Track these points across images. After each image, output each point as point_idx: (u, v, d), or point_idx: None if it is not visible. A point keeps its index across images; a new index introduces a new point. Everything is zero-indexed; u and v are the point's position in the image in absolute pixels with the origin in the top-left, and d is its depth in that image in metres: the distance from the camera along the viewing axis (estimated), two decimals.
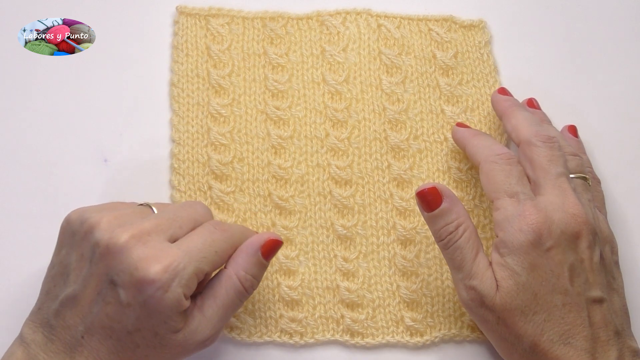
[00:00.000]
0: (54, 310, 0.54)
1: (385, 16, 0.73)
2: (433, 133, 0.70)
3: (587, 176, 0.63)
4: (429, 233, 0.66)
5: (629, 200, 0.69)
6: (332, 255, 0.66)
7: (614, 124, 0.72)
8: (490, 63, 0.72)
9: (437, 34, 0.73)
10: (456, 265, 0.59)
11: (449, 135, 0.69)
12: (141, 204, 0.58)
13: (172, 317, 0.53)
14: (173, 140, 0.68)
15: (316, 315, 0.64)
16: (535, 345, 0.56)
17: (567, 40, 0.75)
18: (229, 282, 0.56)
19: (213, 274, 0.58)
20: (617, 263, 0.61)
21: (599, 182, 0.66)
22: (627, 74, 0.74)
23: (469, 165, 0.69)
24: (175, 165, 0.67)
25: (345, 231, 0.66)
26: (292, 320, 0.64)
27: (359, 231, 0.67)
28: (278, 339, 0.64)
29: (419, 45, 0.72)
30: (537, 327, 0.56)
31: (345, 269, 0.66)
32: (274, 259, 0.65)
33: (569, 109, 0.71)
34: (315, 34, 0.72)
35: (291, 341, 0.64)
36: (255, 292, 0.64)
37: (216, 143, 0.68)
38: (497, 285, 0.57)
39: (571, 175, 0.61)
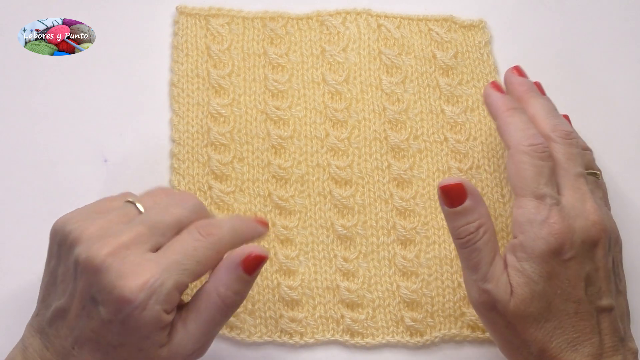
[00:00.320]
0: (48, 319, 0.53)
1: (385, 16, 0.73)
2: (433, 133, 0.70)
3: (597, 172, 0.62)
4: (429, 233, 0.66)
5: (629, 200, 0.69)
6: (332, 255, 0.66)
7: (614, 124, 0.72)
8: (490, 63, 0.72)
9: (437, 34, 0.73)
10: (471, 265, 0.57)
11: (449, 135, 0.69)
12: (128, 201, 0.56)
13: (154, 332, 0.52)
14: (173, 140, 0.68)
15: (316, 315, 0.64)
16: (543, 351, 0.55)
17: (567, 41, 0.75)
18: (209, 298, 0.54)
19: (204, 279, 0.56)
20: (621, 262, 0.61)
21: (600, 172, 0.65)
22: (627, 74, 0.74)
23: (469, 165, 0.68)
24: (175, 165, 0.67)
25: (345, 231, 0.66)
26: (292, 320, 0.64)
27: (359, 231, 0.67)
28: (278, 339, 0.64)
29: (419, 45, 0.72)
30: (547, 334, 0.55)
31: (345, 269, 0.66)
32: (274, 259, 0.65)
33: (568, 109, 0.71)
34: (315, 34, 0.72)
35: (291, 341, 0.64)
36: (255, 292, 0.64)
37: (216, 143, 0.68)
38: (512, 291, 0.55)
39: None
